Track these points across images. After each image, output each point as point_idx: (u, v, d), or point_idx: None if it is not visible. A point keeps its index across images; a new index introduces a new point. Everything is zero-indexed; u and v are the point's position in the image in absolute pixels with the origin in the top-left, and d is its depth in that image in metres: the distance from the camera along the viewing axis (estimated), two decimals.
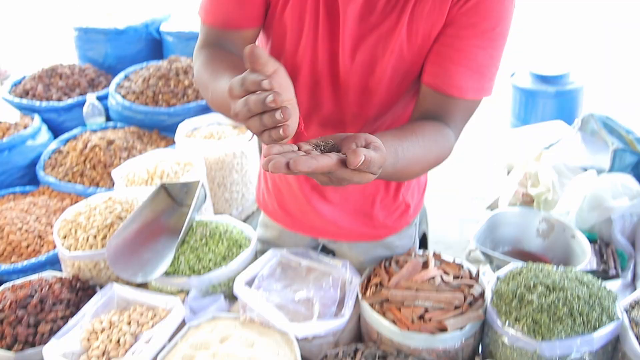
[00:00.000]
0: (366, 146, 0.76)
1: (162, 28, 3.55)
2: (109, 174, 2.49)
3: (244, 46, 1.13)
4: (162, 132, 2.89)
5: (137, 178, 2.09)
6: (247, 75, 0.72)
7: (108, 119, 3.09)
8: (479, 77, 1.07)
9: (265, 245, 1.61)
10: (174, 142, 2.58)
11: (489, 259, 1.85)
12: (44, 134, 2.95)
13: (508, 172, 2.58)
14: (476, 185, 3.37)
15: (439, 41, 1.06)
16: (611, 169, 2.27)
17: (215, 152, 2.26)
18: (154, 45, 3.59)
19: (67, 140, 2.86)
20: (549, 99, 3.23)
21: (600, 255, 1.95)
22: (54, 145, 2.83)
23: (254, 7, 1.13)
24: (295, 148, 0.75)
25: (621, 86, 4.89)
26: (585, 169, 2.31)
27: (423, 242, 2.19)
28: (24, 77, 3.38)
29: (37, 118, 2.98)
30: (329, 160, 0.73)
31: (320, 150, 0.79)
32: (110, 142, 2.62)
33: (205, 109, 2.80)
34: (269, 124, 0.71)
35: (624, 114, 3.22)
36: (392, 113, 1.20)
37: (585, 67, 4.84)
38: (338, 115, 1.20)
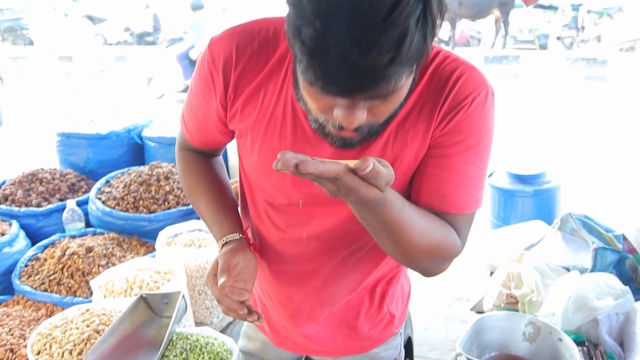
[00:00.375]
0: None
1: (144, 133, 3.61)
2: (87, 282, 2.43)
3: (215, 152, 1.36)
4: (143, 237, 2.86)
5: (116, 288, 2.05)
6: (221, 297, 1.13)
7: (88, 224, 3.06)
8: (472, 191, 1.08)
9: (248, 357, 1.56)
10: (154, 249, 2.55)
11: None
12: (22, 241, 2.90)
13: (491, 273, 2.58)
14: (460, 286, 3.36)
15: (427, 163, 1.07)
16: (593, 268, 2.28)
17: (196, 260, 2.24)
18: (136, 150, 3.63)
19: (45, 247, 2.81)
20: (528, 198, 3.30)
21: (589, 357, 1.91)
22: (31, 252, 2.77)
23: (216, 138, 1.26)
24: (309, 158, 0.78)
25: (596, 184, 5.03)
26: (567, 269, 2.31)
27: (408, 346, 2.14)
28: (4, 182, 3.37)
29: (15, 224, 2.94)
30: (337, 166, 0.77)
31: None
32: (89, 250, 2.58)
33: (186, 215, 2.80)
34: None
35: (601, 211, 3.29)
36: None
37: (560, 165, 4.99)
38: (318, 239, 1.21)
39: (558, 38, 16.08)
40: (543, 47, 15.97)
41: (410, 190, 1.11)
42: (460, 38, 16.72)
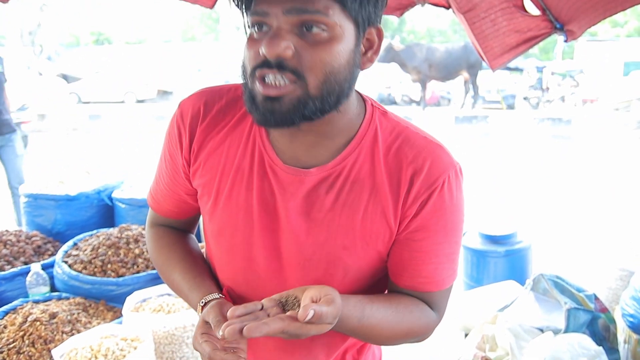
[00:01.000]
0: (318, 300, 0.88)
1: (115, 195, 3.55)
2: (49, 351, 2.33)
3: (186, 227, 1.31)
4: (110, 302, 2.77)
5: (79, 357, 1.97)
6: (216, 355, 0.94)
7: (53, 288, 2.96)
8: (450, 265, 1.09)
9: None
10: (122, 314, 2.47)
11: None
12: None
13: (465, 335, 2.55)
14: (434, 348, 3.31)
15: (408, 247, 1.06)
16: (567, 329, 2.27)
17: (165, 326, 2.17)
18: (106, 211, 3.57)
19: (6, 313, 2.69)
20: (500, 259, 3.30)
21: None
22: None
23: (184, 201, 1.23)
24: (259, 307, 0.88)
25: (566, 243, 5.07)
26: (541, 330, 2.30)
27: None
28: None
29: None
30: (281, 323, 0.84)
31: (282, 306, 0.92)
32: (53, 316, 2.48)
33: (156, 279, 2.72)
34: None
35: (572, 271, 3.31)
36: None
37: (530, 225, 5.04)
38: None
39: (525, 98, 16.62)
40: (510, 107, 16.47)
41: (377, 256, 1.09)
42: (430, 98, 17.15)
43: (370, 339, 1.03)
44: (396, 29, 30.58)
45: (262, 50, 0.92)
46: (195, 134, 1.11)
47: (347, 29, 0.94)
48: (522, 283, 2.70)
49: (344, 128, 1.05)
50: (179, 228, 1.31)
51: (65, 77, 19.39)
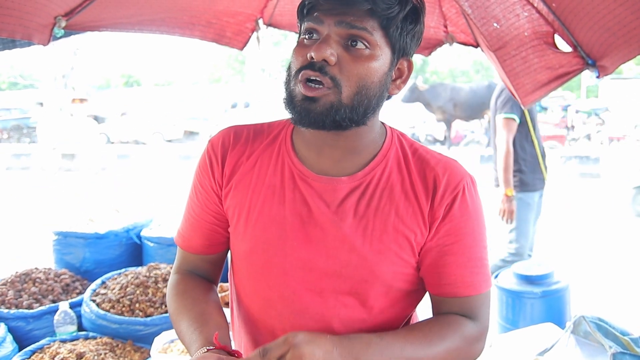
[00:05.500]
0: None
1: (143, 233, 3.55)
2: None
3: (212, 269, 1.32)
4: (137, 342, 2.73)
5: None
6: None
7: (80, 327, 2.94)
8: (483, 270, 1.12)
9: None
10: (149, 355, 2.43)
11: None
12: (9, 345, 2.76)
13: None
14: None
15: (435, 254, 1.11)
16: None
17: None
18: (134, 250, 3.56)
19: (33, 352, 2.67)
20: (536, 300, 3.18)
21: None
22: (17, 358, 2.62)
23: (213, 231, 1.26)
24: None
25: (604, 283, 4.92)
26: None
27: None
28: None
29: (2, 327, 2.81)
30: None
31: None
32: (80, 356, 2.45)
33: None
34: None
35: (612, 312, 3.18)
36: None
37: (565, 265, 4.90)
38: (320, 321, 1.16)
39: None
40: None
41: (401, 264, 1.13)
42: (454, 138, 17.10)
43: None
44: (419, 70, 30.79)
45: (311, 53, 1.02)
46: (226, 159, 1.19)
47: (384, 52, 1.07)
48: (561, 326, 2.59)
49: (368, 144, 1.16)
50: (203, 275, 1.32)
51: (95, 118, 19.80)
